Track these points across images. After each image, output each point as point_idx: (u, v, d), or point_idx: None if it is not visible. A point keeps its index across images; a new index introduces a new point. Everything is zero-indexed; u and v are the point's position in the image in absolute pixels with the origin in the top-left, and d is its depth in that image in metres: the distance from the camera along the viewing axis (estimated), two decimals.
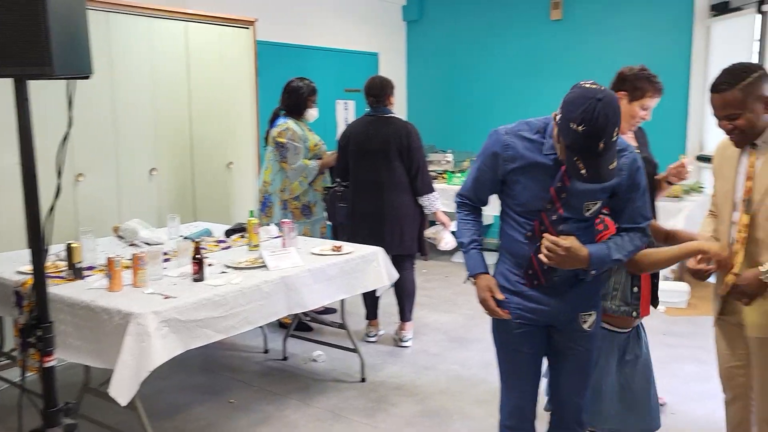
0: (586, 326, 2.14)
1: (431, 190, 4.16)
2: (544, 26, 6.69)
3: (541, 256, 1.97)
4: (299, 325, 4.27)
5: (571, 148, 1.82)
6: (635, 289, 2.25)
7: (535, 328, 2.13)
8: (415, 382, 3.70)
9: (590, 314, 2.14)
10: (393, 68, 7.28)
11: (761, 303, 2.10)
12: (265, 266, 3.12)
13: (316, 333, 4.37)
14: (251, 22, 5.08)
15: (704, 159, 5.70)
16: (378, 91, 4.15)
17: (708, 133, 5.87)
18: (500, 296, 2.08)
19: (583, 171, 1.82)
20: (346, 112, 6.81)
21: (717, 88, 2.08)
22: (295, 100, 4.37)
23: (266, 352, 4.15)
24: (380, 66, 7.22)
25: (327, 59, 6.53)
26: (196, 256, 2.90)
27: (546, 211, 2.00)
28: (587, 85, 1.83)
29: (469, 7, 7.16)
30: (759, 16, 5.19)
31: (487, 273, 2.14)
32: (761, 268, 1.94)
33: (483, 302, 2.10)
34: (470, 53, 7.24)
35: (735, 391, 2.36)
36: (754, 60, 5.13)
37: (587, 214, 2.04)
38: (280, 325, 4.35)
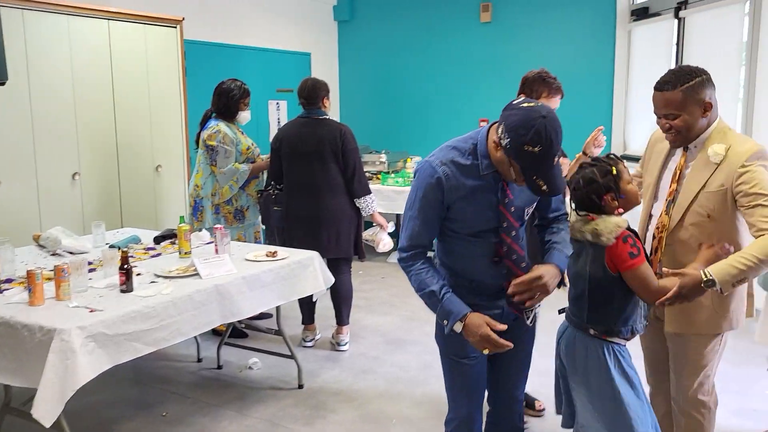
0: (528, 321, 2.19)
1: (368, 192, 4.14)
2: (475, 28, 6.80)
3: (528, 303, 1.99)
4: (234, 332, 4.18)
5: (529, 169, 1.82)
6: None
7: None
8: (354, 387, 3.68)
9: (532, 309, 2.18)
10: (325, 68, 7.24)
11: None
12: (197, 274, 3.03)
13: (252, 339, 4.29)
14: (178, 21, 4.94)
15: (628, 159, 5.93)
16: (309, 93, 4.09)
17: (631, 132, 6.10)
18: (501, 327, 1.97)
19: (544, 187, 1.84)
20: (279, 113, 6.72)
21: (660, 87, 2.14)
22: (226, 102, 4.27)
23: (200, 361, 4.04)
24: (312, 66, 7.17)
25: (258, 59, 6.42)
26: (124, 266, 2.78)
27: (503, 229, 2.02)
28: (525, 105, 1.83)
29: (400, 8, 7.19)
30: (676, 21, 5.43)
31: (473, 311, 2.00)
32: (703, 276, 1.97)
33: (485, 338, 1.95)
34: (402, 54, 7.27)
35: (659, 383, 2.46)
36: (672, 63, 5.36)
37: (526, 218, 2.10)
38: (214, 332, 4.25)
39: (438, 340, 2.22)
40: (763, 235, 1.96)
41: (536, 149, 1.77)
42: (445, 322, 2.02)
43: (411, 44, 7.19)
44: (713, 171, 2.11)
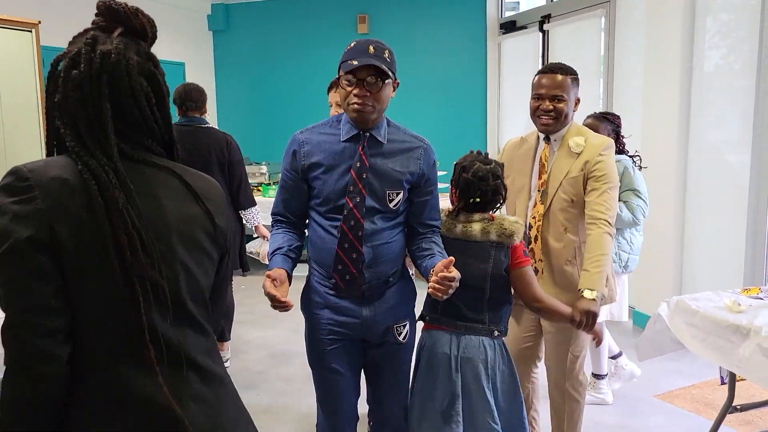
0: (401, 338, 2.09)
1: (253, 203, 4.01)
2: (352, 39, 6.83)
3: (433, 291, 1.79)
4: None
5: (345, 66, 1.95)
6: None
7: (348, 343, 2.06)
8: None
9: (404, 324, 2.10)
10: (201, 79, 6.95)
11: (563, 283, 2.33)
12: None
13: None
14: (33, 25, 4.59)
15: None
16: (190, 98, 3.88)
17: (504, 137, 6.36)
18: (279, 275, 1.84)
19: (355, 62, 1.94)
20: None
21: (553, 70, 2.34)
22: None
23: None
24: (187, 76, 6.92)
25: None
26: None
27: (349, 194, 1.95)
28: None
29: (277, 18, 7.11)
30: (540, 34, 5.73)
31: (284, 269, 1.90)
32: (585, 295, 2.10)
33: (265, 293, 1.80)
34: (280, 64, 7.19)
35: (522, 369, 2.57)
36: None
37: (392, 205, 2.00)
38: None
39: (306, 352, 2.17)
40: (591, 229, 2.19)
41: (353, 44, 2.04)
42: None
43: (288, 54, 7.13)
44: (575, 160, 2.31)
